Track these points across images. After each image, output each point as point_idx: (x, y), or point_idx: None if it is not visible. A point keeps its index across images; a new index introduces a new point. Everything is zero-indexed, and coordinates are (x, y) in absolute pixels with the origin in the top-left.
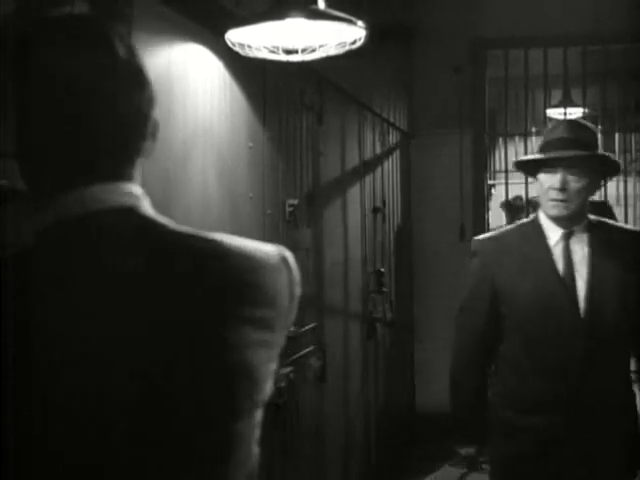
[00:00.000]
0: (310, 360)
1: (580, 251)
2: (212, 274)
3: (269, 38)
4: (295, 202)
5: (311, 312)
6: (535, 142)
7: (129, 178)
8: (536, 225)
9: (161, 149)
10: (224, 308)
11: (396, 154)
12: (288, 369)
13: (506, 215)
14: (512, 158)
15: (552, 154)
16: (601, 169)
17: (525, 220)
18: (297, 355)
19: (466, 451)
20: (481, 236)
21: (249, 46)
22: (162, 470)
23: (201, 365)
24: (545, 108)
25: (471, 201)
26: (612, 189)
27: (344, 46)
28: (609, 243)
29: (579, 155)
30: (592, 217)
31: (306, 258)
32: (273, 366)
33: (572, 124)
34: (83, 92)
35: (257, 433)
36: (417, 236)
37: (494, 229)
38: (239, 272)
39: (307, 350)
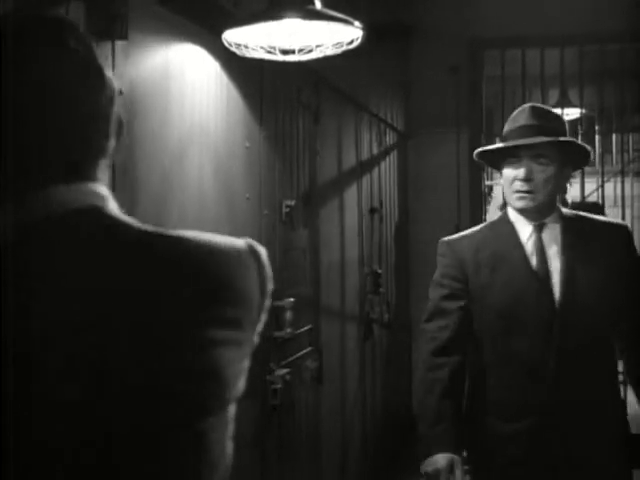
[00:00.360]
0: (307, 362)
1: (553, 244)
2: (178, 272)
3: (266, 38)
4: (292, 202)
5: (308, 313)
6: None
7: (94, 178)
8: (506, 221)
9: (158, 149)
10: (191, 306)
11: (393, 154)
12: (285, 371)
13: None
14: None
15: (514, 142)
16: (570, 158)
17: (496, 218)
18: (294, 357)
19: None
20: (450, 237)
21: (246, 46)
22: (131, 468)
23: (168, 364)
24: None
25: (468, 201)
26: (609, 190)
27: (341, 46)
28: (583, 235)
29: (542, 142)
30: (564, 209)
31: (303, 259)
32: (244, 364)
33: (535, 110)
34: (44, 93)
35: (230, 429)
36: (414, 237)
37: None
38: (206, 269)
39: (304, 352)
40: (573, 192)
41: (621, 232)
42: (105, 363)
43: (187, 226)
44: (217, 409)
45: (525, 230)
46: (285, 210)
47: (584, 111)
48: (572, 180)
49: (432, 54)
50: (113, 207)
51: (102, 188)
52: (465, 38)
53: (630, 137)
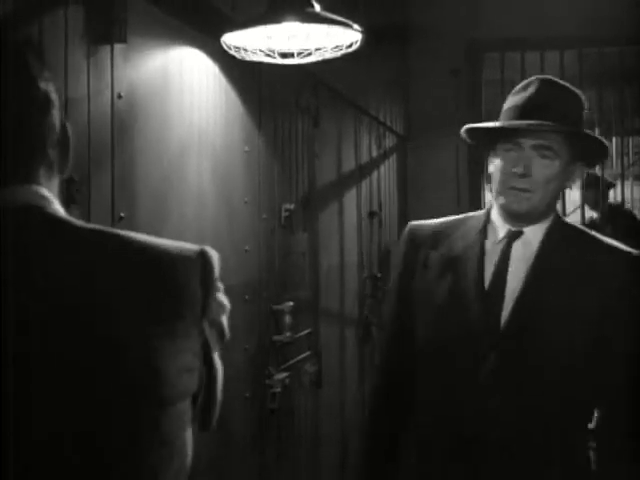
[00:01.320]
0: (306, 365)
1: (522, 259)
2: (114, 267)
3: (265, 41)
4: (291, 206)
5: (307, 317)
6: None
7: (38, 182)
8: (484, 219)
9: (156, 152)
10: (124, 300)
11: (392, 157)
12: (284, 374)
13: None
14: None
15: (509, 123)
16: (581, 152)
17: (478, 212)
18: (293, 360)
19: None
20: (419, 221)
21: (245, 49)
22: (77, 467)
23: (99, 358)
24: None
25: (468, 205)
26: (610, 193)
27: (340, 49)
28: (569, 255)
29: (546, 129)
30: (563, 218)
31: (302, 263)
32: (187, 360)
33: (546, 84)
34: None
35: (184, 422)
36: None
37: None
38: (143, 264)
39: (303, 355)
40: (573, 196)
41: (625, 264)
42: (46, 355)
43: (186, 230)
44: (158, 403)
45: (495, 234)
46: (284, 214)
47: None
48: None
49: (431, 57)
50: (56, 207)
51: (43, 190)
52: (464, 41)
53: (630, 140)
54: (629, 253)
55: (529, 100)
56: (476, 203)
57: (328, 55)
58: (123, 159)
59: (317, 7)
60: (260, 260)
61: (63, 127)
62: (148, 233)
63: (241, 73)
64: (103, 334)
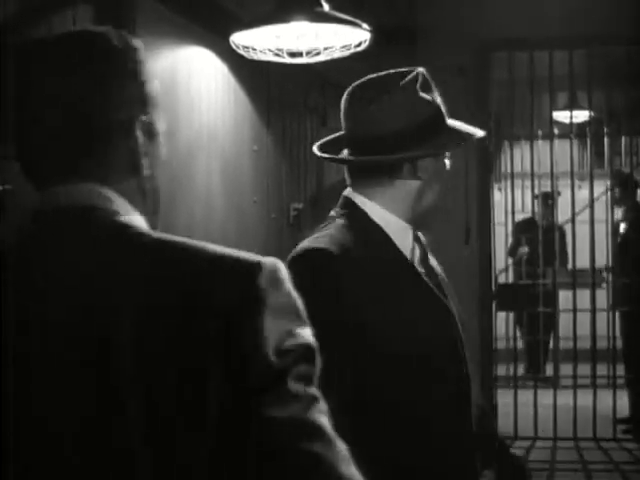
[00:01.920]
0: None
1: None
2: (175, 285)
3: (273, 41)
4: (299, 205)
5: None
6: (541, 145)
7: (103, 181)
8: (373, 225)
9: (165, 151)
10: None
11: None
12: None
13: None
14: (518, 161)
15: (477, 133)
16: None
17: (340, 220)
18: None
19: None
20: (319, 245)
21: (253, 49)
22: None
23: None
24: (551, 111)
25: (476, 205)
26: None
27: (349, 49)
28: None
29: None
30: None
31: None
32: None
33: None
34: (66, 107)
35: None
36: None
37: None
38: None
39: None
40: (582, 195)
41: None
42: (105, 356)
43: (195, 229)
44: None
45: (401, 236)
46: (293, 213)
47: (593, 114)
48: (578, 182)
49: (439, 57)
50: (120, 209)
51: (107, 190)
52: (472, 41)
53: (639, 139)
54: None
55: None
56: (485, 202)
57: (337, 54)
58: None
59: (326, 6)
60: None
61: (144, 123)
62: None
63: (250, 73)
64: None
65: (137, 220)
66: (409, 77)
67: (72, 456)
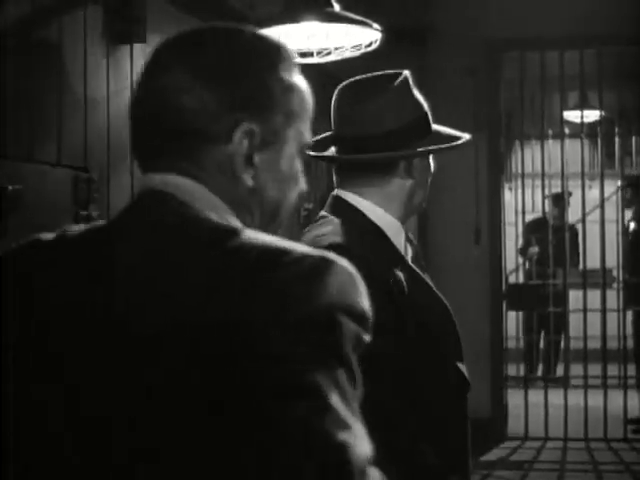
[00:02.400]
0: None
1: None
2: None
3: (284, 41)
4: (310, 206)
5: None
6: (552, 145)
7: (195, 178)
8: (370, 223)
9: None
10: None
11: None
12: None
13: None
14: (529, 161)
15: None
16: None
17: (336, 218)
18: None
19: None
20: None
21: None
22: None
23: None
24: (561, 110)
25: (487, 206)
26: None
27: (359, 48)
28: None
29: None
30: None
31: None
32: None
33: None
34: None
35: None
36: (432, 239)
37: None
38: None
39: None
40: (592, 195)
41: None
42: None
43: None
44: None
45: (396, 234)
46: (303, 213)
47: (603, 113)
48: (589, 182)
49: (450, 56)
50: (186, 199)
51: (191, 183)
52: (483, 40)
53: None
54: None
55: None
56: (495, 202)
57: (347, 54)
58: None
59: (336, 6)
60: None
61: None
62: None
63: None
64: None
65: (222, 219)
66: (401, 77)
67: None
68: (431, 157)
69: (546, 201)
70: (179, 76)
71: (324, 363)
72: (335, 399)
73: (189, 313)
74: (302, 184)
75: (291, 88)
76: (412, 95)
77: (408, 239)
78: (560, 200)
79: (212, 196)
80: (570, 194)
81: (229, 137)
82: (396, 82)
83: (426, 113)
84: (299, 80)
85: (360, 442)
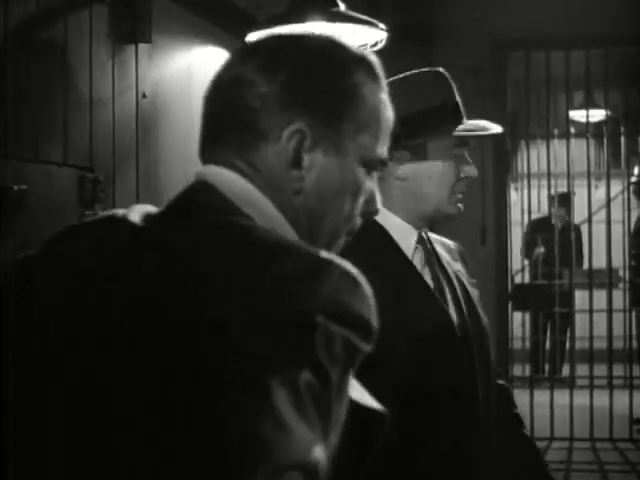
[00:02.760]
0: None
1: (436, 263)
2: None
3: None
4: None
5: None
6: (558, 144)
7: (242, 173)
8: (378, 228)
9: (180, 150)
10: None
11: None
12: None
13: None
14: (534, 161)
15: (480, 126)
16: None
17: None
18: None
19: None
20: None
21: None
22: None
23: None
24: (567, 110)
25: (493, 206)
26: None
27: (365, 48)
28: (452, 252)
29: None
30: None
31: None
32: None
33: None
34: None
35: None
36: None
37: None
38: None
39: None
40: (599, 195)
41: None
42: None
43: None
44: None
45: (406, 241)
46: None
47: (609, 113)
48: (595, 182)
49: (455, 56)
50: (240, 198)
51: (235, 176)
52: (488, 40)
53: None
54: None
55: (456, 96)
56: (502, 202)
57: None
58: (147, 158)
59: (342, 6)
60: None
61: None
62: None
63: None
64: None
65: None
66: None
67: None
68: (446, 155)
69: (551, 201)
70: (245, 72)
71: (286, 363)
72: (282, 400)
73: (179, 309)
74: (373, 205)
75: (363, 98)
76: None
77: (422, 242)
78: (566, 200)
79: (256, 193)
80: (574, 194)
81: (280, 135)
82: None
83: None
84: (376, 94)
85: (293, 447)
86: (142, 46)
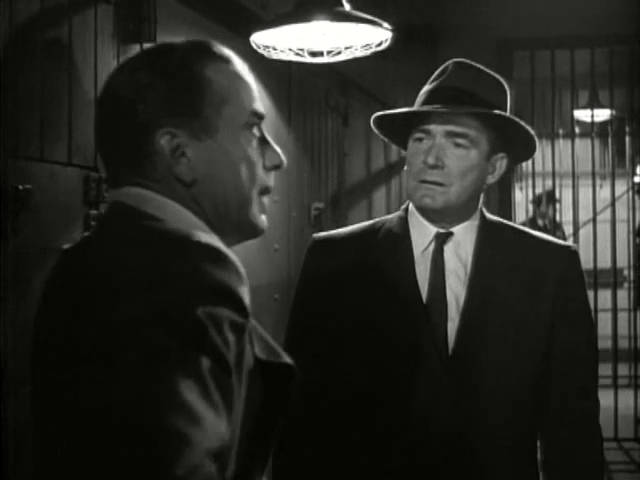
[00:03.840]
0: None
1: (459, 265)
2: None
3: (294, 40)
4: (320, 205)
5: None
6: (563, 144)
7: (141, 185)
8: (402, 222)
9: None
10: None
11: None
12: None
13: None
14: (539, 160)
15: (419, 108)
16: (505, 143)
17: (393, 215)
18: None
19: None
20: (325, 233)
21: (274, 48)
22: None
23: None
24: (572, 109)
25: (497, 204)
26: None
27: (370, 48)
28: (506, 255)
29: (460, 112)
30: (490, 216)
31: None
32: None
33: (461, 68)
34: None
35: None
36: None
37: None
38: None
39: None
40: (604, 194)
41: (566, 258)
42: None
43: None
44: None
45: (422, 239)
46: (314, 212)
47: (614, 112)
48: (600, 182)
49: (460, 56)
50: (145, 210)
51: (144, 192)
52: (494, 39)
53: None
54: (568, 247)
55: (441, 84)
56: (506, 202)
57: (358, 54)
58: None
59: (347, 6)
60: (290, 259)
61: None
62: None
63: (270, 72)
64: None
65: (176, 221)
66: None
67: None
68: (410, 144)
69: (538, 200)
70: (118, 91)
71: (186, 353)
72: (190, 391)
73: (89, 311)
74: (272, 159)
75: (207, 80)
76: None
77: (440, 239)
78: (551, 199)
79: (167, 201)
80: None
81: (158, 146)
82: None
83: None
84: (221, 69)
85: (207, 437)
86: (147, 46)
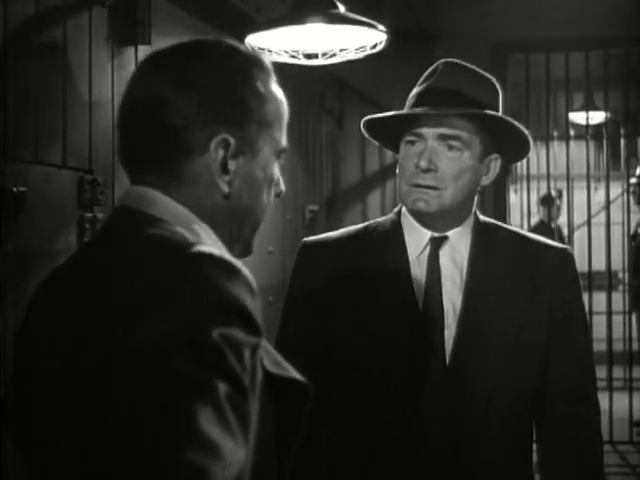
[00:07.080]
0: None
1: (454, 269)
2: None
3: (289, 43)
4: (315, 208)
5: None
6: (557, 146)
7: (164, 190)
8: (395, 225)
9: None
10: None
11: None
12: None
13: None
14: (534, 163)
15: (409, 111)
16: (498, 144)
17: (385, 218)
18: None
19: None
20: (316, 237)
21: (269, 50)
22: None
23: None
24: (567, 112)
25: (492, 206)
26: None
27: (364, 50)
28: (503, 258)
29: (451, 114)
30: (485, 218)
31: None
32: None
33: (451, 69)
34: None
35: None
36: None
37: None
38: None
39: None
40: (598, 197)
41: (562, 261)
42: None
43: None
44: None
45: (416, 243)
46: (308, 215)
47: (609, 115)
48: (595, 184)
49: (455, 58)
50: (151, 211)
51: (149, 191)
52: (488, 42)
53: None
54: (563, 250)
55: (431, 85)
56: (501, 205)
57: (352, 56)
58: None
59: (341, 8)
60: (284, 261)
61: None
62: None
63: None
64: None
65: (189, 233)
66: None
67: None
68: (402, 148)
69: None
70: (160, 89)
71: (204, 379)
72: (207, 420)
73: (97, 336)
74: (280, 186)
75: (265, 99)
76: None
77: (435, 243)
78: (548, 201)
79: (180, 208)
80: (560, 194)
81: (206, 148)
82: None
83: None
84: (273, 90)
85: (224, 465)
86: (142, 48)
